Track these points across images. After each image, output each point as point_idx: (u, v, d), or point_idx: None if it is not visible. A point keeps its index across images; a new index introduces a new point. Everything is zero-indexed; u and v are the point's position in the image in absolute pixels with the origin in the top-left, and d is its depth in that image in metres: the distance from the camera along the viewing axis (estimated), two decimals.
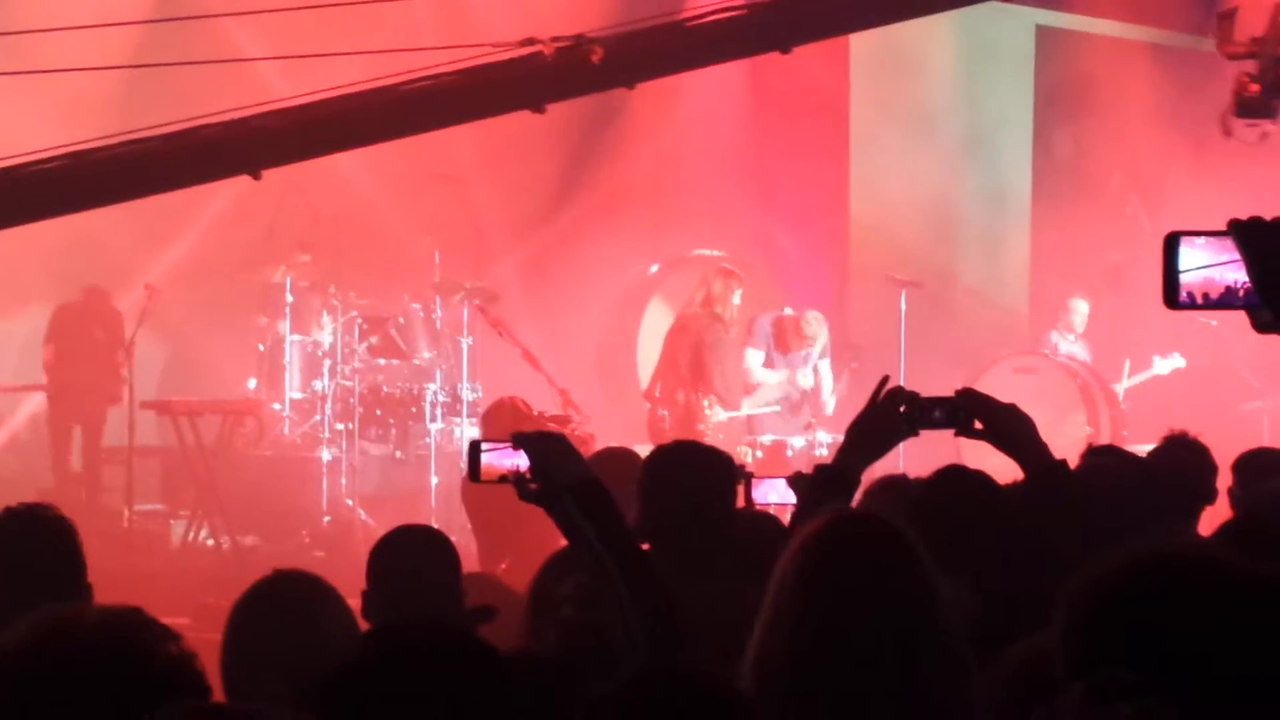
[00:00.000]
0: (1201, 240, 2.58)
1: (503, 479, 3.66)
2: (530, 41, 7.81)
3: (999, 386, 11.91)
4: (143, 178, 8.34)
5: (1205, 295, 2.57)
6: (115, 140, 8.10)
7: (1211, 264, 2.56)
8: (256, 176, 8.26)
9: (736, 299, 13.21)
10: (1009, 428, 4.03)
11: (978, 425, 4.00)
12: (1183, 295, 2.57)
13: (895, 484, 5.02)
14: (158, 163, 8.16)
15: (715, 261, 13.91)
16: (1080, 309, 14.46)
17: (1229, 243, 2.55)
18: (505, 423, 9.61)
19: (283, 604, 4.10)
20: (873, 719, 2.92)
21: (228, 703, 2.14)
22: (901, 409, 3.96)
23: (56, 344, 13.98)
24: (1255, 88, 8.41)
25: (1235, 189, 14.92)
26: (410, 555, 4.78)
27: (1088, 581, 2.27)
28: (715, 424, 12.86)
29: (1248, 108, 8.52)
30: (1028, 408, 4.14)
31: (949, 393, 4.07)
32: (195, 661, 2.37)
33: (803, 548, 3.07)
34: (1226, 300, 2.57)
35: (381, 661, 2.53)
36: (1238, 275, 2.55)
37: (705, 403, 12.91)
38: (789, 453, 12.55)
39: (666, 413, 13.09)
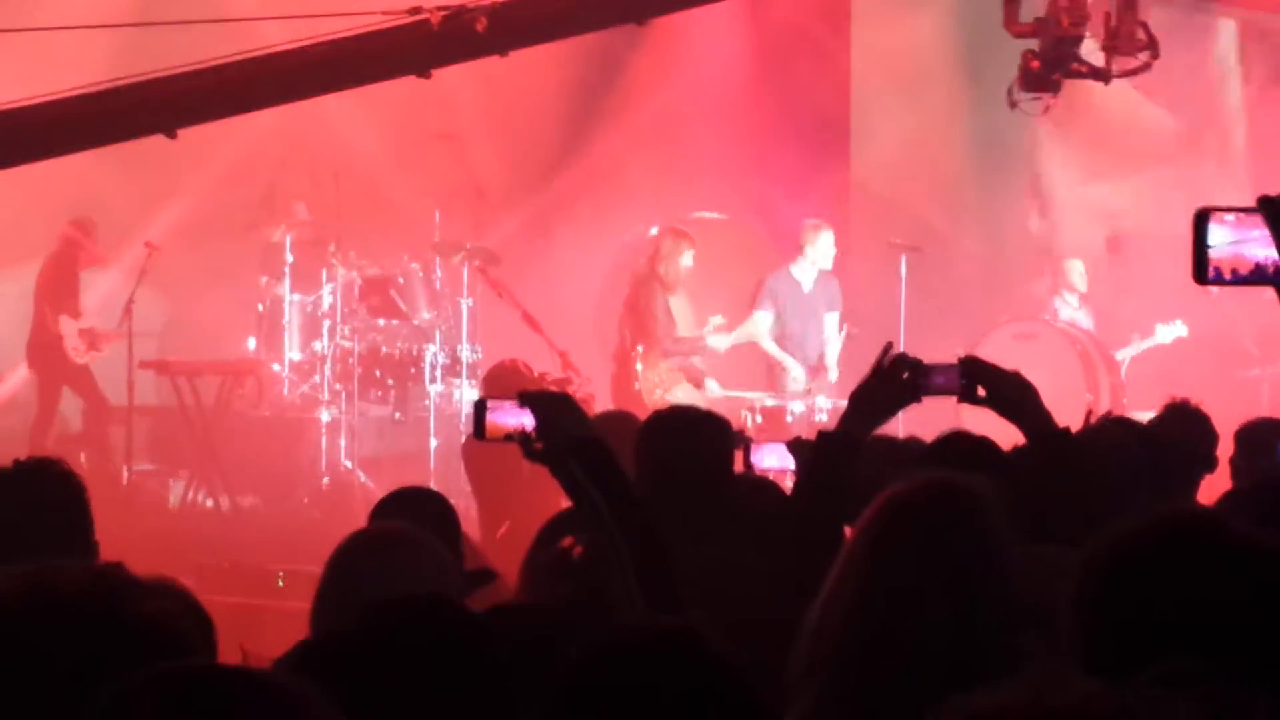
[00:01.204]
0: (1231, 217, 2.57)
1: (508, 438, 3.64)
2: (417, 11, 8.25)
3: (999, 352, 11.90)
4: (64, 136, 8.77)
5: (1234, 271, 2.57)
6: (38, 100, 8.41)
7: (1240, 240, 2.56)
8: (172, 135, 8.74)
9: (685, 259, 12.84)
10: (1012, 395, 4.02)
11: (981, 392, 3.99)
12: (1211, 271, 2.57)
13: (885, 445, 4.98)
14: (78, 122, 8.59)
15: (696, 232, 13.71)
16: (1076, 268, 14.43)
17: (1259, 219, 2.54)
18: (507, 384, 9.60)
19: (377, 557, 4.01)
20: (930, 683, 2.91)
21: (199, 663, 2.12)
22: (905, 375, 3.95)
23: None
24: (1037, 64, 8.86)
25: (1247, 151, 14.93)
26: (410, 517, 4.77)
27: (1101, 549, 2.26)
28: (659, 393, 12.52)
29: (1031, 82, 8.96)
30: (1028, 374, 4.13)
31: (949, 358, 4.06)
32: (178, 620, 2.36)
33: (884, 508, 3.06)
34: (1256, 276, 2.57)
35: (361, 632, 2.52)
36: (1268, 252, 2.55)
37: (639, 366, 12.72)
38: (788, 418, 12.50)
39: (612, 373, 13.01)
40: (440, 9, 8.23)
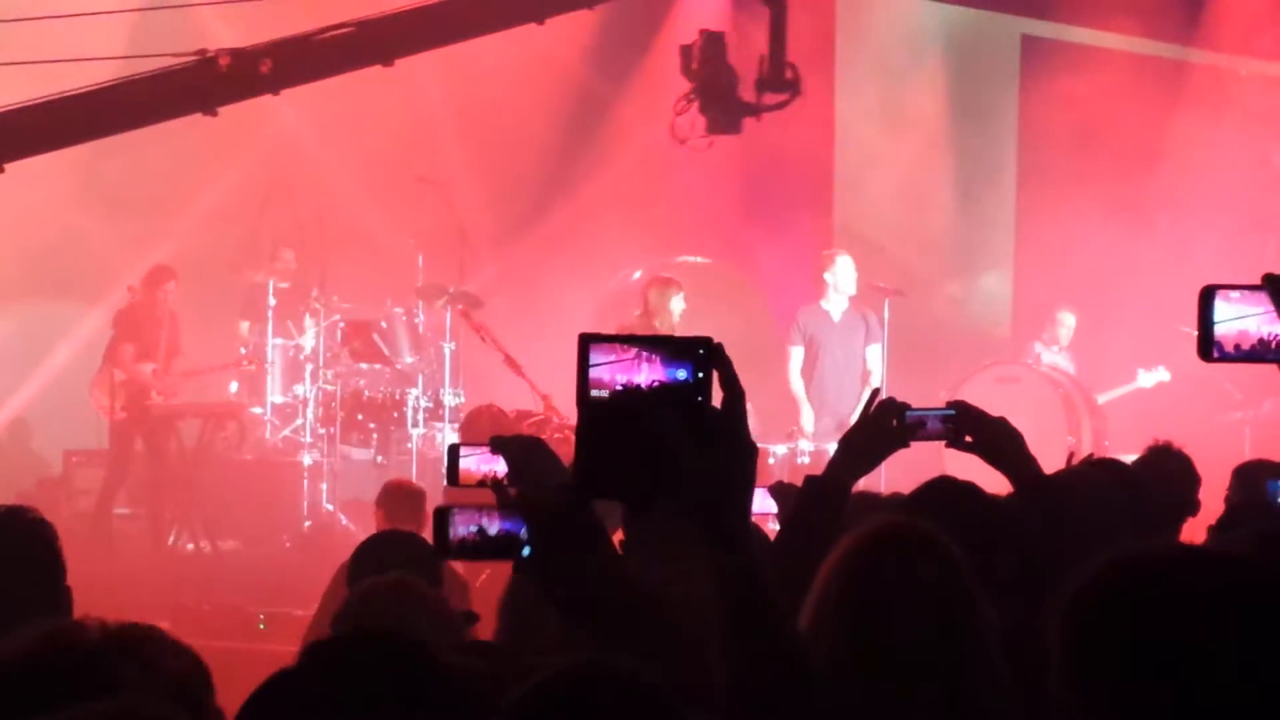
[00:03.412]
0: (1237, 294, 2.61)
1: (481, 483, 3.63)
2: (203, 53, 9.07)
3: (981, 396, 11.86)
4: None
5: (1238, 347, 2.60)
6: None
7: (1245, 316, 2.59)
8: None
9: (676, 304, 12.77)
10: (999, 441, 4.02)
11: (968, 438, 3.99)
12: (1216, 348, 2.60)
13: (870, 502, 4.96)
14: None
15: (681, 277, 13.67)
16: (1067, 322, 14.45)
17: (1263, 296, 2.58)
18: (483, 429, 9.59)
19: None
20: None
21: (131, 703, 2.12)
22: (894, 422, 3.94)
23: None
24: (698, 103, 9.75)
25: (1221, 196, 14.98)
26: (390, 560, 4.76)
27: (1081, 586, 2.25)
28: None
29: (714, 123, 9.80)
30: (1010, 417, 4.13)
31: (932, 402, 4.06)
32: (202, 677, 2.35)
33: (847, 556, 3.06)
34: (1260, 353, 2.60)
35: (313, 674, 2.47)
36: (1272, 329, 2.58)
37: None
38: (770, 460, 12.48)
39: None
40: (225, 52, 9.02)
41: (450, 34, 9.99)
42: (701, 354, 2.41)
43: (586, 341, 2.41)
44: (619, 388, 2.41)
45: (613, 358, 2.42)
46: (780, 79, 9.67)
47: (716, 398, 2.45)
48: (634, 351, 2.42)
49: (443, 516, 3.14)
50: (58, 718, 2.03)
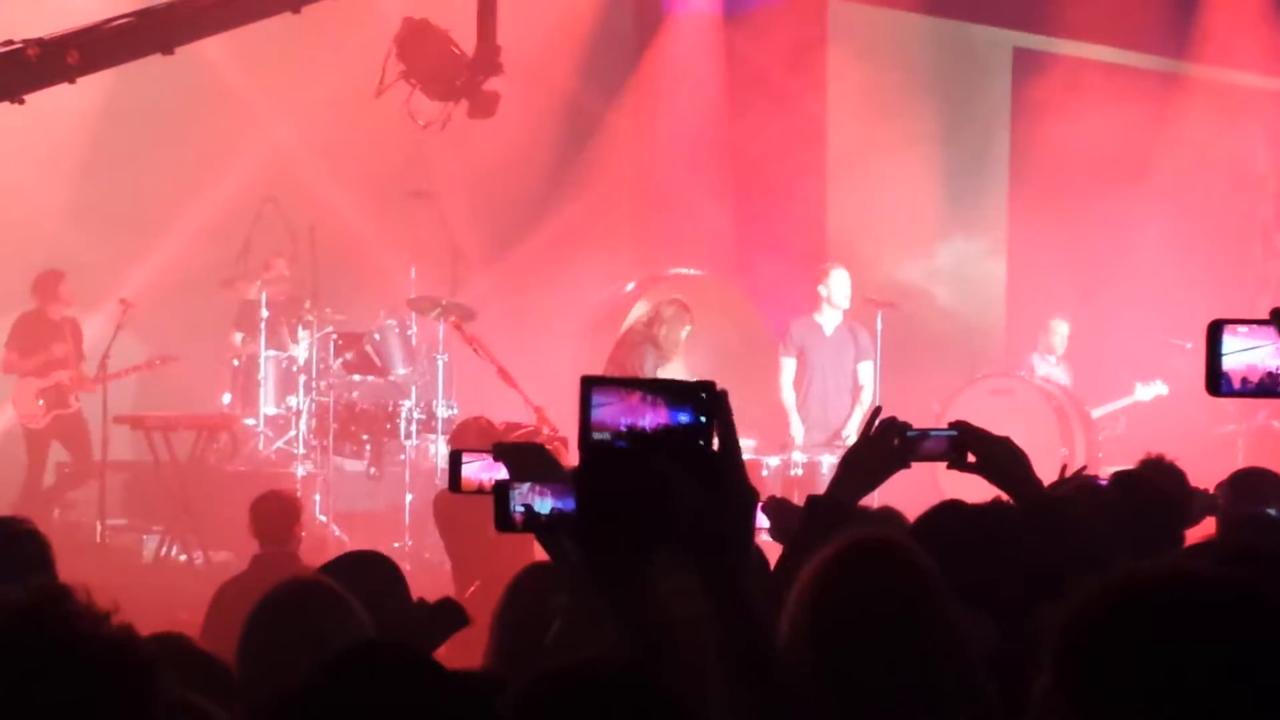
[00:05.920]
0: (1244, 328, 2.62)
1: (481, 490, 3.62)
2: (9, 43, 9.09)
3: (975, 408, 11.89)
4: None
5: (1245, 381, 2.61)
6: None
7: (1253, 350, 2.60)
8: None
9: (683, 334, 12.81)
10: (1003, 462, 3.98)
11: (971, 458, 3.96)
12: (1225, 382, 2.61)
13: (860, 516, 4.93)
14: None
15: (674, 289, 13.63)
16: (1060, 330, 14.46)
17: (1271, 331, 2.58)
18: (472, 441, 9.58)
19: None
20: None
21: None
22: (895, 441, 3.90)
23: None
24: (416, 84, 10.06)
25: (1209, 206, 15.01)
26: (354, 579, 4.71)
27: (1073, 611, 2.26)
28: None
29: (474, 109, 10.05)
30: (1003, 429, 4.11)
31: (925, 411, 4.04)
32: (132, 639, 2.32)
33: (821, 572, 3.05)
34: (1268, 388, 2.61)
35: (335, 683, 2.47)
36: (1279, 362, 2.59)
37: None
38: (764, 473, 12.47)
39: None
40: (32, 42, 9.05)
41: (212, 25, 10.08)
42: (704, 398, 2.41)
43: (589, 384, 2.41)
44: (623, 429, 2.41)
45: (615, 399, 2.42)
46: (490, 61, 9.94)
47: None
48: (637, 394, 2.42)
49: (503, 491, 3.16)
50: None
